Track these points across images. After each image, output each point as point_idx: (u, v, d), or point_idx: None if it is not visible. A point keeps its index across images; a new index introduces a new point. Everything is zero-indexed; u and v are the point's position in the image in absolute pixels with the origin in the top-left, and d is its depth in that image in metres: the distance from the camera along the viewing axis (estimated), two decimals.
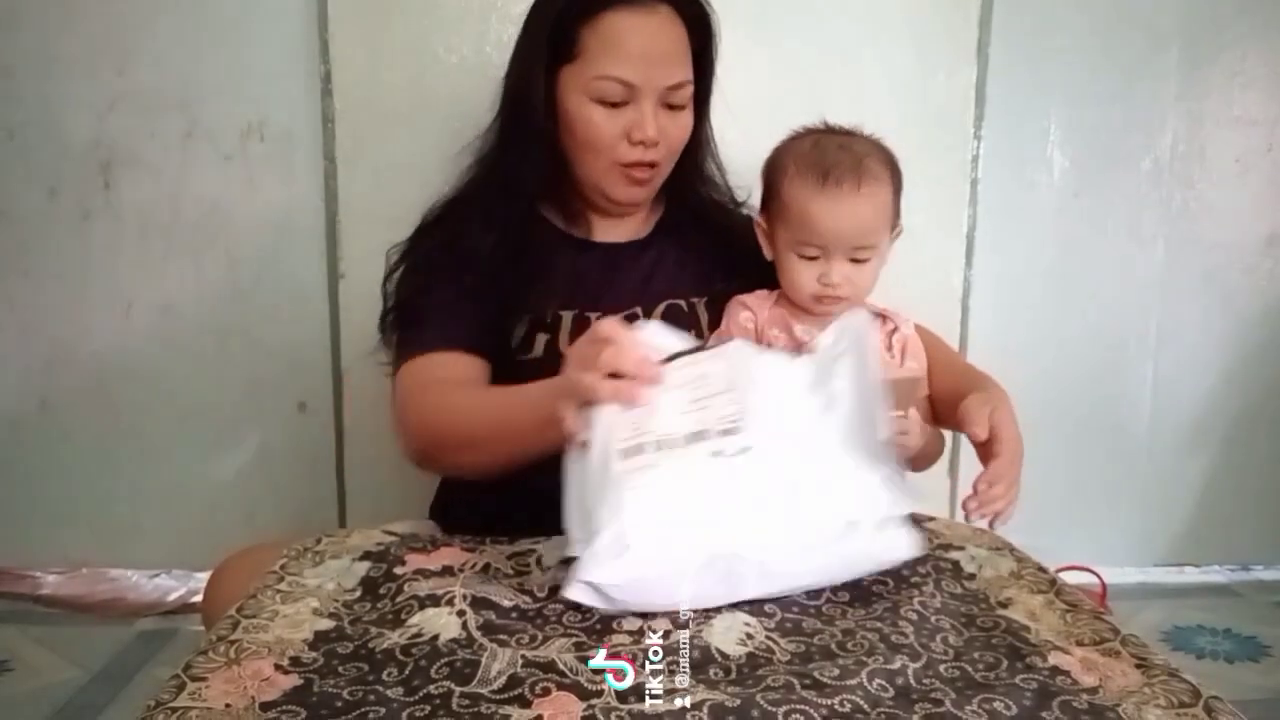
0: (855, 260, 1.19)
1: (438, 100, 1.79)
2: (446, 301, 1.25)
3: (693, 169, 1.35)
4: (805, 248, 1.19)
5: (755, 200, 1.31)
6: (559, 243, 1.32)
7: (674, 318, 1.30)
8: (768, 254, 1.25)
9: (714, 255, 1.33)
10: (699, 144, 1.34)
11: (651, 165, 1.26)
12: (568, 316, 1.28)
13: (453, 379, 1.21)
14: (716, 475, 0.88)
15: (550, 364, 1.25)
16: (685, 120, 1.28)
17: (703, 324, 1.31)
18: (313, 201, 1.86)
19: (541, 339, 1.27)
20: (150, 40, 1.82)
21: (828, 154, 1.19)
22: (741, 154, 1.35)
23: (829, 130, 1.24)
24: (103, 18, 1.81)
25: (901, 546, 0.95)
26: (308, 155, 1.85)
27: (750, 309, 1.26)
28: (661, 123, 1.24)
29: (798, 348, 1.09)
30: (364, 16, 1.79)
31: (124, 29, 1.82)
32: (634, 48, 1.22)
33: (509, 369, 1.24)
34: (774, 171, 1.24)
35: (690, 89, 1.27)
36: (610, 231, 1.35)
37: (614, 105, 1.23)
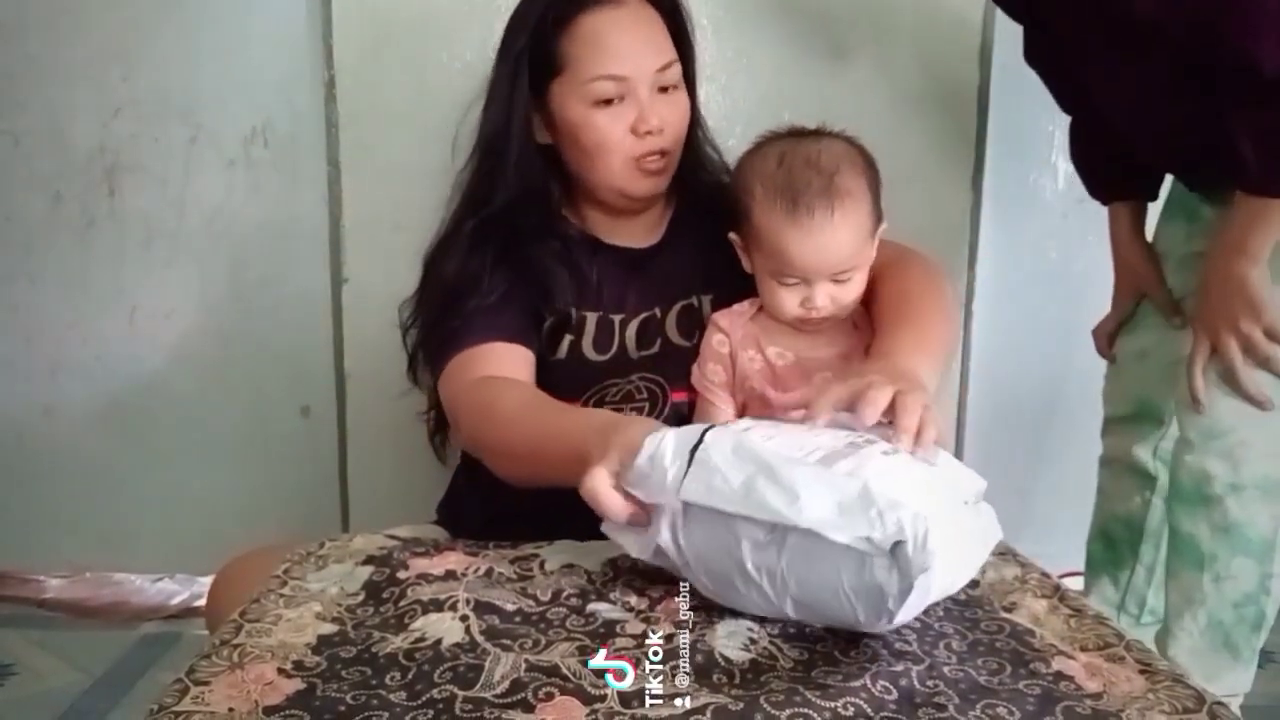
0: (839, 281, 1.16)
1: (441, 105, 1.78)
2: (477, 307, 1.25)
3: (693, 150, 1.36)
4: (784, 277, 1.16)
5: None
6: (578, 244, 1.32)
7: (687, 317, 1.31)
8: (747, 267, 1.22)
9: (723, 249, 1.31)
10: (693, 123, 1.34)
11: (662, 154, 1.27)
12: (591, 318, 1.29)
13: (498, 372, 1.20)
14: (900, 466, 0.86)
15: (573, 367, 1.27)
16: (681, 100, 1.29)
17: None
18: (316, 207, 1.86)
19: (565, 341, 1.28)
20: (154, 47, 1.83)
21: (795, 175, 1.12)
22: None
23: (794, 135, 1.19)
24: (107, 24, 1.82)
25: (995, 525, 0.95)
26: (311, 161, 1.85)
27: (724, 331, 1.23)
28: (660, 109, 1.25)
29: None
30: (367, 22, 1.79)
31: (128, 36, 1.82)
32: (616, 41, 1.24)
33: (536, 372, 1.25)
34: (742, 192, 1.18)
35: (678, 67, 1.28)
36: (627, 234, 1.35)
37: (611, 103, 1.24)
